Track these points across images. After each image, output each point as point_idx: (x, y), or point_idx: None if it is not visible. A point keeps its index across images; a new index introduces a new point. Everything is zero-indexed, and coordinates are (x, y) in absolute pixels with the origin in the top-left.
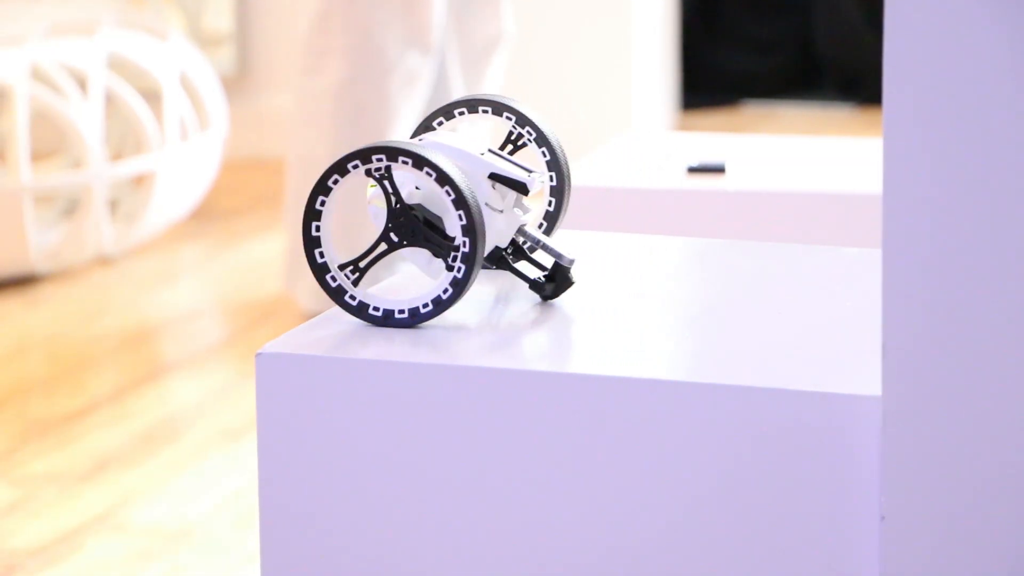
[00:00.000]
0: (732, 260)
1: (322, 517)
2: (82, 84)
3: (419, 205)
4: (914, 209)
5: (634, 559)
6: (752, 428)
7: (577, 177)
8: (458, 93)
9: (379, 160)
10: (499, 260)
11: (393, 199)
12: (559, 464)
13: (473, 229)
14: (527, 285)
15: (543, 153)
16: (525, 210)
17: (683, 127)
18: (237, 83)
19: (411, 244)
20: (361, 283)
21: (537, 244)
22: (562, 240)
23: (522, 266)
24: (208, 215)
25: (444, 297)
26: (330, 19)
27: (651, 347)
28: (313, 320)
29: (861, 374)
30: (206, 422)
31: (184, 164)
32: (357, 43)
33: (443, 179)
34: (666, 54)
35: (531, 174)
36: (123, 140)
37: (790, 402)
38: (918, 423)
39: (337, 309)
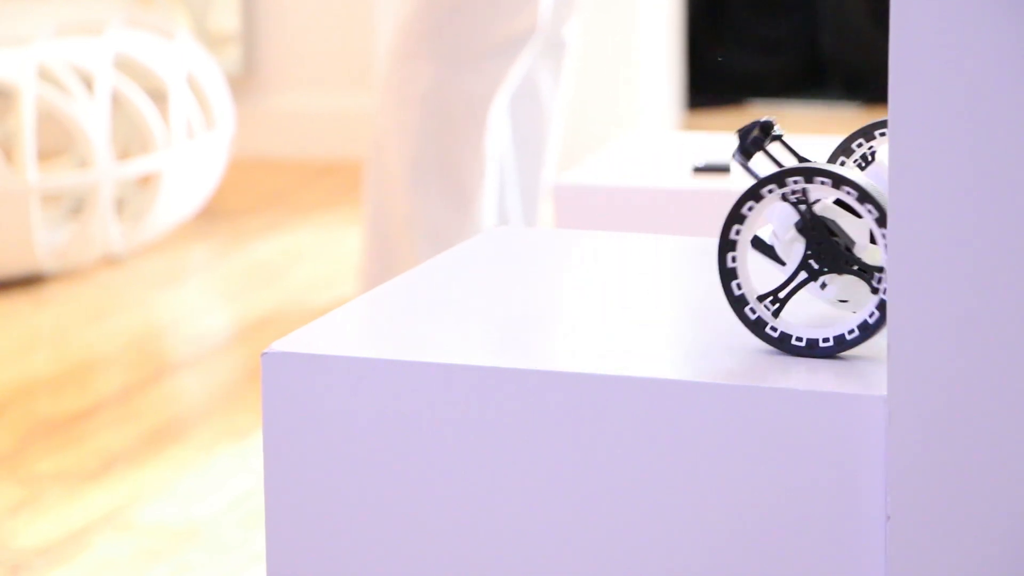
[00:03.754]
0: None
1: (328, 516)
2: (89, 84)
3: (836, 229)
4: (919, 209)
5: (637, 560)
6: (757, 428)
7: (583, 176)
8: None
9: (795, 183)
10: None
11: (811, 223)
12: (561, 464)
13: None
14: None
15: None
16: None
17: (689, 127)
18: (243, 82)
19: (833, 271)
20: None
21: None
22: None
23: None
24: (215, 214)
25: (871, 322)
26: (421, 23)
27: (655, 346)
28: (319, 319)
29: (866, 374)
30: (213, 421)
31: (191, 163)
32: (447, 48)
33: (864, 197)
34: (672, 54)
35: None
36: (130, 140)
37: (796, 402)
38: (924, 423)
39: (342, 309)
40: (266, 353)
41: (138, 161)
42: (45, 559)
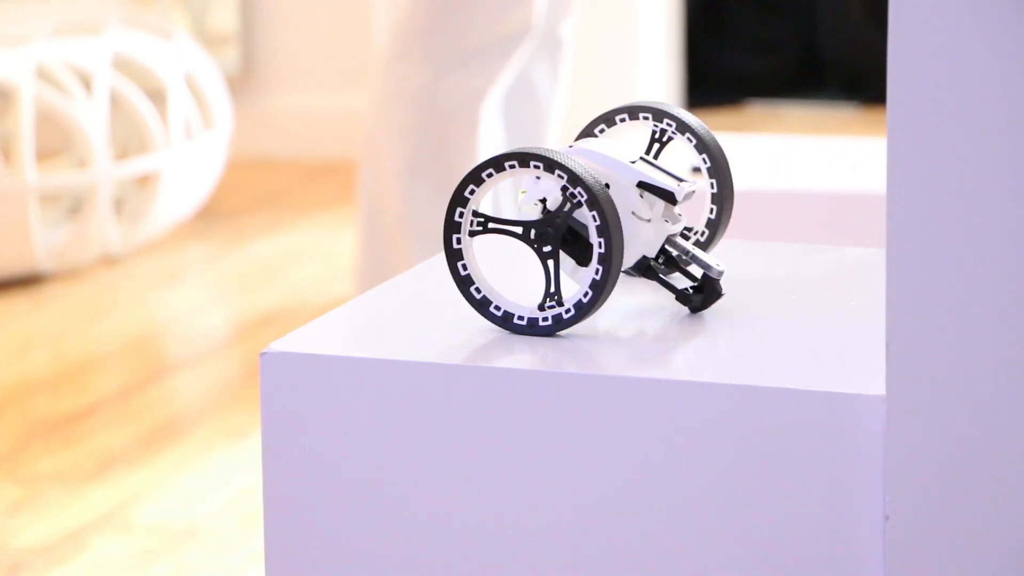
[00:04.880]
0: (735, 259)
1: (326, 516)
2: (87, 84)
3: (565, 213)
4: (918, 208)
5: (637, 559)
6: (756, 428)
7: None
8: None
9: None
10: (647, 270)
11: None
12: (560, 463)
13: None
14: (674, 296)
15: (703, 159)
16: (676, 220)
17: None
18: (242, 82)
19: (554, 249)
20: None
21: (685, 255)
22: (723, 249)
23: (675, 278)
24: (213, 214)
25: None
26: (413, 22)
27: (653, 346)
28: (318, 319)
29: (865, 373)
30: (211, 421)
31: (189, 163)
32: (440, 47)
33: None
34: (670, 53)
35: (681, 183)
36: (128, 139)
37: (794, 401)
38: (922, 422)
39: (341, 309)
40: (265, 353)
41: (137, 161)
42: (44, 559)
